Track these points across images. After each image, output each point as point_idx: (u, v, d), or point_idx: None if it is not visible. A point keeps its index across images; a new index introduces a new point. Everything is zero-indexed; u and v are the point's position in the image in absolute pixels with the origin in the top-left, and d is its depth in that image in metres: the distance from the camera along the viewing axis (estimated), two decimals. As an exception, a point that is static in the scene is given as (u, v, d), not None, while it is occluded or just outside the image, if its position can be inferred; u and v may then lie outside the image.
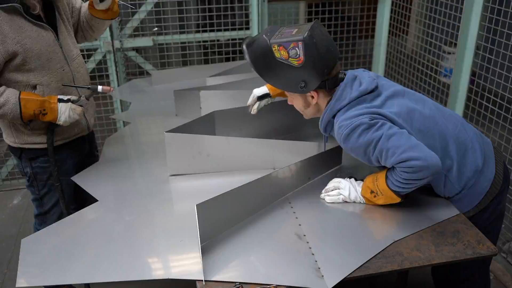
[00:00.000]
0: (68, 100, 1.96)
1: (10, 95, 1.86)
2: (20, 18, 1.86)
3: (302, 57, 1.63)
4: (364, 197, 1.79)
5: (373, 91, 1.72)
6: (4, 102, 1.85)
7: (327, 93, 1.75)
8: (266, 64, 1.70)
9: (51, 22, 2.00)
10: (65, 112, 1.93)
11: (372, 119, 1.64)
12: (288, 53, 1.64)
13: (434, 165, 1.59)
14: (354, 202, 1.81)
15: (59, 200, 2.14)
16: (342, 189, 1.82)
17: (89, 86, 2.06)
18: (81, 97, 2.01)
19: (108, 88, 2.02)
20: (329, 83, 1.72)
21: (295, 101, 1.83)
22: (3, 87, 1.87)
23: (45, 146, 2.05)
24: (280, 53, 1.65)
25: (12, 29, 1.83)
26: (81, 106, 2.00)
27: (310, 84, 1.68)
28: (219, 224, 1.60)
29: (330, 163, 2.03)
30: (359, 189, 1.81)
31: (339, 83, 1.74)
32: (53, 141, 2.03)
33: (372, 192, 1.76)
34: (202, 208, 1.48)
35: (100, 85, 2.04)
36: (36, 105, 1.88)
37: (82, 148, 2.27)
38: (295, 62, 1.65)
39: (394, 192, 1.69)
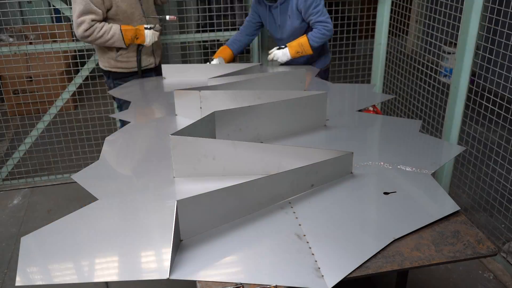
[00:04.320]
0: (150, 28, 3.04)
1: (115, 29, 2.95)
2: None
3: None
4: (291, 55, 3.10)
5: None
6: (113, 34, 2.95)
7: None
8: None
9: None
10: (149, 36, 3.04)
11: None
12: None
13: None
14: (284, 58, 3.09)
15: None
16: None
17: (160, 17, 3.18)
18: (156, 25, 3.09)
19: (173, 17, 3.15)
20: None
21: None
22: (110, 24, 2.95)
23: (125, 70, 3.18)
24: None
25: None
26: (157, 31, 3.09)
27: None
28: (203, 222, 1.61)
29: (337, 171, 1.95)
30: (287, 53, 3.10)
31: None
32: (140, 58, 3.18)
33: (297, 52, 3.09)
34: (183, 204, 1.50)
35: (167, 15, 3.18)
36: (132, 33, 3.00)
37: (150, 76, 3.32)
38: None
39: (312, 48, 3.08)
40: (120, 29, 2.96)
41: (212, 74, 2.87)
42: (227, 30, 3.75)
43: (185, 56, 3.98)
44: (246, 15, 3.77)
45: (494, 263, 2.86)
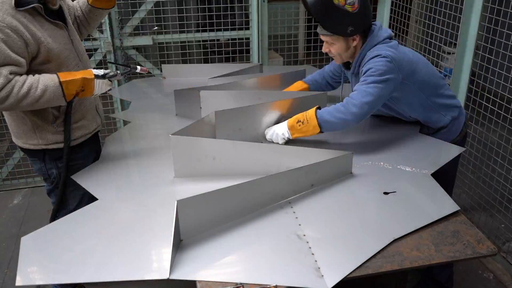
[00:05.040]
0: (103, 76, 2.02)
1: (46, 80, 1.88)
2: (40, 18, 1.92)
3: (357, 5, 2.02)
4: (288, 126, 2.13)
5: (391, 38, 2.20)
6: (45, 88, 1.87)
7: (361, 38, 2.13)
8: (323, 9, 2.01)
9: (62, 19, 2.07)
10: (98, 86, 2.02)
11: (390, 62, 2.06)
12: (345, 0, 2.01)
13: (354, 123, 2.08)
14: (280, 135, 2.14)
15: (82, 198, 2.18)
16: (270, 130, 2.19)
17: (130, 66, 2.22)
18: (118, 73, 2.08)
19: (145, 68, 2.23)
20: (366, 29, 2.12)
21: (336, 45, 2.14)
22: (36, 76, 1.88)
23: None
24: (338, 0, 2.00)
25: (37, 29, 1.88)
26: (111, 80, 2.08)
27: (356, 28, 2.07)
28: (203, 222, 1.61)
29: (337, 171, 1.95)
30: (285, 124, 2.14)
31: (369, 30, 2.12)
32: (70, 124, 2.09)
33: (298, 121, 2.11)
34: (183, 204, 1.50)
35: (138, 65, 2.33)
36: (77, 85, 1.94)
37: (99, 143, 2.41)
38: (350, 8, 2.02)
39: (318, 120, 2.06)
40: (59, 79, 1.90)
41: (212, 74, 2.87)
42: (227, 30, 3.75)
43: (185, 55, 3.97)
44: (246, 15, 3.77)
45: (494, 263, 2.86)
